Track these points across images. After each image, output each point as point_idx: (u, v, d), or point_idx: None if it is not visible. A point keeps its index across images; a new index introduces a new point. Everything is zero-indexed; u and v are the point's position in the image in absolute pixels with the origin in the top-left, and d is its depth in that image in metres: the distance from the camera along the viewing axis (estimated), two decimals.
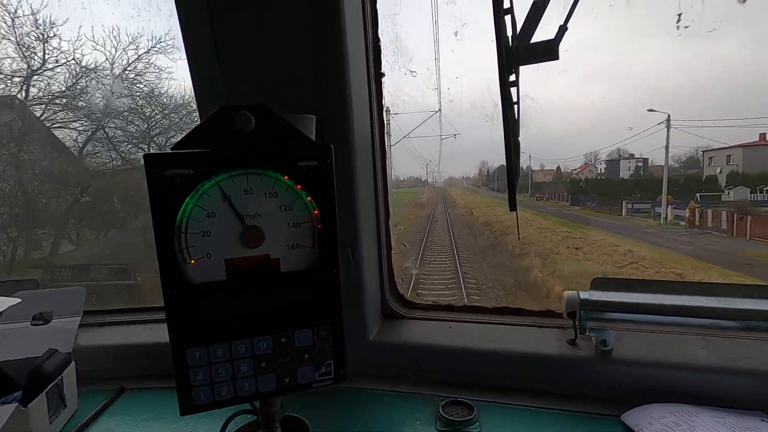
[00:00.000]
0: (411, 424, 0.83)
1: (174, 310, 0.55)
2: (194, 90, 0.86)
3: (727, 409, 0.77)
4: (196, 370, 0.57)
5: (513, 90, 0.86)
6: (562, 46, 0.82)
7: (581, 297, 0.84)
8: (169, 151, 0.55)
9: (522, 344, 0.92)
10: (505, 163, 0.88)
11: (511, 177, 0.90)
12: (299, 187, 0.59)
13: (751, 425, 0.72)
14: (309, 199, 0.60)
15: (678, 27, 1.07)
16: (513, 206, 0.92)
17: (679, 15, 0.98)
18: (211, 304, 0.57)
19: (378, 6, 0.88)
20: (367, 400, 0.92)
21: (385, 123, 0.99)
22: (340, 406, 0.90)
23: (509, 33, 0.83)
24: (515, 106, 0.88)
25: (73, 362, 0.90)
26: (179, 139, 0.59)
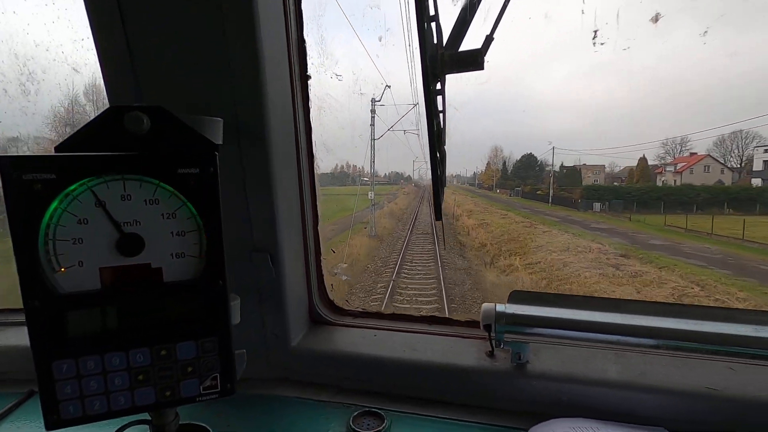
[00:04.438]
0: None
1: (36, 322, 0.52)
2: (108, 95, 0.82)
3: (631, 424, 0.78)
4: (63, 384, 0.55)
5: (438, 99, 0.85)
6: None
7: (497, 310, 0.84)
8: (36, 154, 0.52)
9: (441, 355, 0.91)
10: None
11: (437, 186, 0.89)
12: (182, 195, 0.57)
13: None
14: (195, 207, 0.58)
15: (594, 43, 1.08)
16: (439, 216, 0.91)
17: (595, 32, 0.98)
18: (80, 314, 0.54)
19: (303, 7, 0.85)
20: (286, 408, 0.90)
21: (309, 121, 0.97)
22: (256, 414, 0.88)
23: (435, 40, 0.82)
24: (440, 115, 0.86)
25: None
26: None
